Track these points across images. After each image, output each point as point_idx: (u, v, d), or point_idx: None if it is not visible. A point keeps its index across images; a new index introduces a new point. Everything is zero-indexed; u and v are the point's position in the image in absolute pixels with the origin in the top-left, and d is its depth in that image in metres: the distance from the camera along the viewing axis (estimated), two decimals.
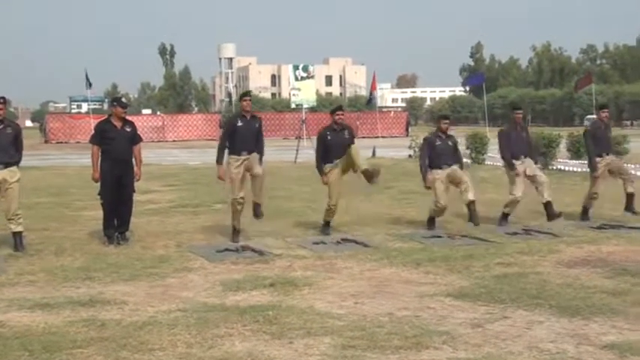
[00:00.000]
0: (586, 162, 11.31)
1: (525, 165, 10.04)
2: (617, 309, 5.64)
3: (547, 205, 9.94)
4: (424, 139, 10.25)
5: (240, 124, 9.02)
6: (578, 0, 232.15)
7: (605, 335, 5.05)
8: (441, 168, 9.65)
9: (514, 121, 10.35)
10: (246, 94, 9.30)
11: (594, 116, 11.18)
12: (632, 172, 16.95)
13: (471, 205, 9.54)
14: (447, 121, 10.06)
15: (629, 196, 10.64)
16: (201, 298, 6.17)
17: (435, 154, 9.72)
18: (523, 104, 11.12)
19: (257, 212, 9.10)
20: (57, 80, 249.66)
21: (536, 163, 10.45)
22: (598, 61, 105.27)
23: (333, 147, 9.40)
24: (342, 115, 9.64)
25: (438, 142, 9.77)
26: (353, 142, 9.55)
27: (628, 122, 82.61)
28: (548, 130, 24.10)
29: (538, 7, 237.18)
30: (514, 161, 10.01)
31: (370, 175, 9.05)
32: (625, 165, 11.55)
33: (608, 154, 10.77)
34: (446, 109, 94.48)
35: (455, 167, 9.68)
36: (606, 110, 11.01)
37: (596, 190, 10.52)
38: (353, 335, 5.05)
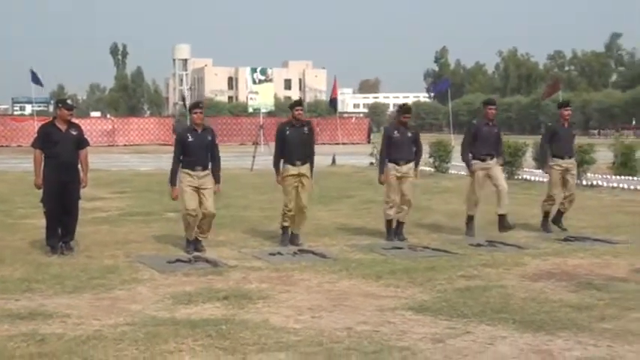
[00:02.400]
0: None
1: (489, 169, 9.85)
2: (583, 324, 5.54)
3: (501, 218, 9.85)
4: (384, 129, 10.06)
5: (191, 139, 8.64)
6: (546, 4, 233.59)
7: (569, 351, 4.93)
8: (397, 163, 9.39)
9: (486, 116, 10.03)
10: (196, 105, 8.91)
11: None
12: (600, 182, 17.12)
13: (400, 225, 9.56)
14: (409, 115, 9.64)
15: (560, 213, 10.30)
16: (150, 311, 5.94)
17: (393, 146, 9.42)
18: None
19: (198, 247, 8.62)
20: None
21: (502, 164, 10.31)
22: (566, 68, 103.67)
23: (292, 143, 9.11)
24: (302, 110, 9.37)
25: (396, 134, 9.45)
26: (313, 139, 9.35)
27: (595, 131, 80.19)
28: (513, 138, 23.70)
29: (505, 11, 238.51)
30: (478, 162, 9.83)
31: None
32: (575, 181, 10.80)
33: (570, 158, 10.37)
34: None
35: (408, 181, 9.41)
36: (569, 108, 10.48)
37: (552, 192, 10.22)
38: (309, 351, 4.88)
